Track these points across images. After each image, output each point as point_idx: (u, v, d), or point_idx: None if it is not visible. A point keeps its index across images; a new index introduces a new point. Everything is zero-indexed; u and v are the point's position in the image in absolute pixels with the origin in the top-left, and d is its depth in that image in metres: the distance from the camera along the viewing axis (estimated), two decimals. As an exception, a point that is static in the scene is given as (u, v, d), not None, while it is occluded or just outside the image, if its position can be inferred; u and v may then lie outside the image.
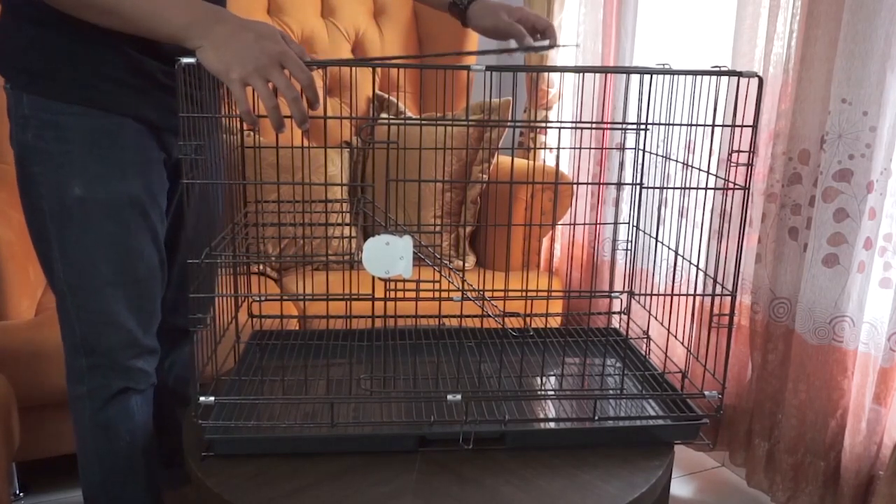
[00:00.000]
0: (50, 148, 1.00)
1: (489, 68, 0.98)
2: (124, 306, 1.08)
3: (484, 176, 1.97)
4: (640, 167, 1.18)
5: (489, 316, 1.28)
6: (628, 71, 1.06)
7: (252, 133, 1.98)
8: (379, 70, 2.24)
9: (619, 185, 1.94)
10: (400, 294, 1.16)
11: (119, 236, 1.05)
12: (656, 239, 1.22)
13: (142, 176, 1.07)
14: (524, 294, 1.38)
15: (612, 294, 1.36)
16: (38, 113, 0.99)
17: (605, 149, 2.04)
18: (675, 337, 1.29)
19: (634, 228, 1.13)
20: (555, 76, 2.22)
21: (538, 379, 1.26)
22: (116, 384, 1.11)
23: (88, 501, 1.17)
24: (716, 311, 1.09)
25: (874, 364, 1.37)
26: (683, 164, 1.24)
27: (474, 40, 2.30)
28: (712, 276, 1.11)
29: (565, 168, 2.19)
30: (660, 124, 1.10)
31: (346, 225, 1.89)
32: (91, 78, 1.00)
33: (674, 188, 1.25)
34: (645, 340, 1.33)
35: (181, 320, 1.21)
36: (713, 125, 1.07)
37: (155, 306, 1.14)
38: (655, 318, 1.35)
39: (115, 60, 1.01)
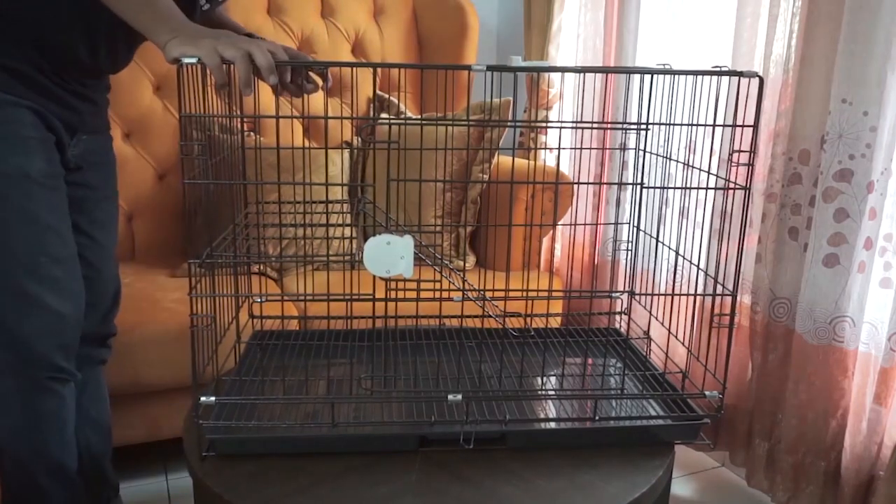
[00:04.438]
0: None
1: (489, 68, 0.98)
2: (46, 287, 1.06)
3: (484, 176, 1.97)
4: (641, 167, 1.18)
5: (490, 316, 1.28)
6: (629, 71, 1.06)
7: (252, 133, 1.98)
8: (379, 70, 2.24)
9: (620, 185, 1.94)
10: (400, 294, 1.16)
11: (31, 211, 1.05)
12: (657, 239, 1.22)
13: (45, 152, 1.09)
14: (525, 294, 1.38)
15: (613, 294, 1.36)
16: None
17: (607, 149, 2.04)
18: (676, 337, 1.29)
19: (635, 228, 1.13)
20: (555, 76, 2.22)
21: (539, 379, 1.26)
22: (37, 379, 1.09)
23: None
24: (716, 311, 1.09)
25: (874, 364, 1.37)
26: (684, 164, 1.24)
27: (474, 41, 2.30)
28: (713, 276, 1.11)
29: (566, 168, 2.19)
30: (661, 124, 1.10)
31: (347, 225, 1.89)
32: None
33: (675, 188, 1.25)
34: (645, 340, 1.33)
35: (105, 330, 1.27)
36: (714, 125, 1.07)
37: (80, 287, 1.14)
38: (656, 318, 1.35)
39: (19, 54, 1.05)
